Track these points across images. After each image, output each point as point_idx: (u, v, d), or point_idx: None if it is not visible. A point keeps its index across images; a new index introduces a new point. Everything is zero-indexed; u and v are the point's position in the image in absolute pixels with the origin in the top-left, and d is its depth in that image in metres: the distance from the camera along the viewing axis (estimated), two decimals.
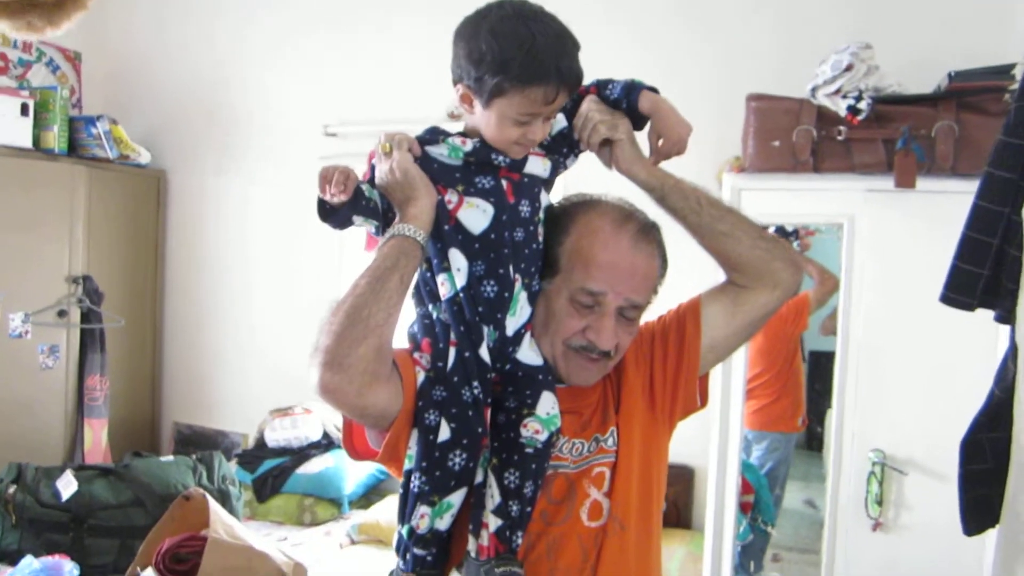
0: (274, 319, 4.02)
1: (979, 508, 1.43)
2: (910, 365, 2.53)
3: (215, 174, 4.15)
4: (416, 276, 1.25)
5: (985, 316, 2.42)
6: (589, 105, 1.31)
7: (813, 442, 3.97)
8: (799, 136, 2.57)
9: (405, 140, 1.25)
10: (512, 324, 1.25)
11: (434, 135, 1.27)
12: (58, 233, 3.75)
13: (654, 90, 1.32)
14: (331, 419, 3.71)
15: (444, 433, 1.21)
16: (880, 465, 2.53)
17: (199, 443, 4.03)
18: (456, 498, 1.24)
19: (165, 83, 4.26)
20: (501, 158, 1.25)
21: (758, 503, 3.19)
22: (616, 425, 1.35)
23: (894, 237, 2.55)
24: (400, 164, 1.22)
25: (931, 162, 2.45)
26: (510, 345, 1.26)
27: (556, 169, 1.33)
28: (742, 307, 1.38)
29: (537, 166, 1.28)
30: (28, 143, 3.67)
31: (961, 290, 1.36)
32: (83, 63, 4.29)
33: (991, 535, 2.39)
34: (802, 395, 3.76)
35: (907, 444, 2.53)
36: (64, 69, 4.22)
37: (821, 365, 3.80)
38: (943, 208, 2.49)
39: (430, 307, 1.28)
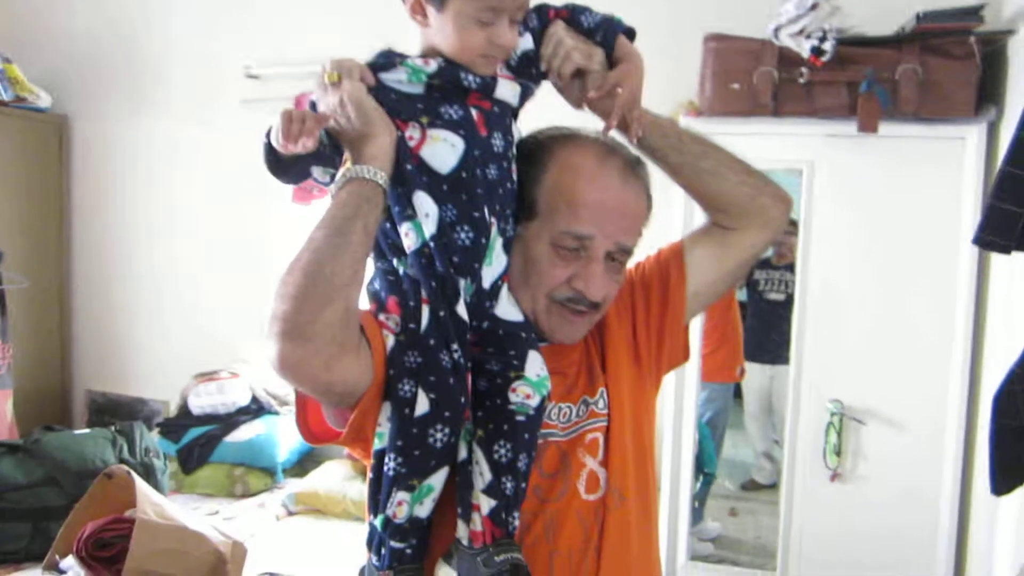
0: (197, 275, 3.75)
1: (1010, 466, 1.35)
2: (869, 314, 2.50)
3: (126, 119, 3.80)
4: None
5: (944, 266, 2.42)
6: (559, 30, 1.16)
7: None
8: (759, 79, 2.47)
9: (356, 67, 1.07)
10: (488, 275, 1.11)
11: (389, 59, 1.10)
12: None
13: (631, 34, 1.19)
14: (260, 383, 3.50)
15: (422, 406, 1.05)
16: (838, 416, 2.50)
17: (115, 413, 3.75)
18: (437, 480, 1.08)
19: (68, 18, 3.86)
20: (471, 78, 1.09)
21: (701, 454, 3.16)
22: (605, 385, 1.23)
23: (854, 183, 2.50)
24: (352, 96, 1.04)
25: (894, 106, 2.38)
26: (487, 299, 1.11)
27: (525, 95, 1.17)
28: (729, 249, 1.28)
29: (508, 91, 1.13)
30: None
31: (998, 231, 1.26)
32: None
33: (945, 491, 2.43)
34: (740, 345, 3.75)
35: (866, 394, 2.51)
36: None
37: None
38: (905, 153, 2.45)
39: (394, 261, 1.11)
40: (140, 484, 2.09)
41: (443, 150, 1.07)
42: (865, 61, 2.39)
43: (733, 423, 3.91)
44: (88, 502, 2.11)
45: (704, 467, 3.16)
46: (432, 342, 1.06)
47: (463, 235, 1.07)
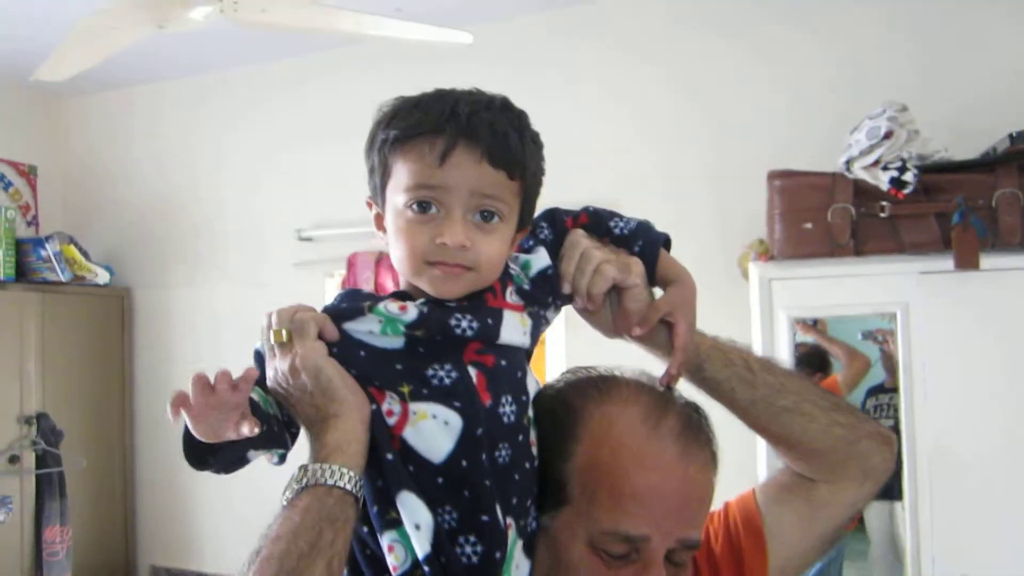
0: None
1: None
2: (994, 475, 2.13)
3: (185, 287, 3.78)
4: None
5: None
6: (580, 239, 0.91)
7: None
8: (835, 216, 2.22)
9: (310, 321, 0.82)
10: None
11: (355, 303, 0.84)
12: (6, 369, 3.36)
13: (667, 243, 0.94)
14: None
15: None
16: None
17: None
18: None
19: (126, 194, 3.92)
20: (465, 323, 0.82)
21: None
22: None
23: (958, 325, 2.17)
24: (307, 361, 0.79)
25: (994, 236, 2.10)
26: None
27: (537, 328, 0.90)
28: (820, 510, 0.99)
29: (514, 330, 0.86)
30: None
31: None
32: (39, 178, 3.95)
33: None
34: None
35: (1001, 570, 2.11)
36: (17, 185, 3.87)
37: None
38: (1013, 288, 2.14)
39: None
40: None
41: (433, 431, 0.80)
42: (954, 189, 2.13)
43: (858, 555, 3.49)
44: None
45: None
46: None
47: (469, 549, 0.79)
